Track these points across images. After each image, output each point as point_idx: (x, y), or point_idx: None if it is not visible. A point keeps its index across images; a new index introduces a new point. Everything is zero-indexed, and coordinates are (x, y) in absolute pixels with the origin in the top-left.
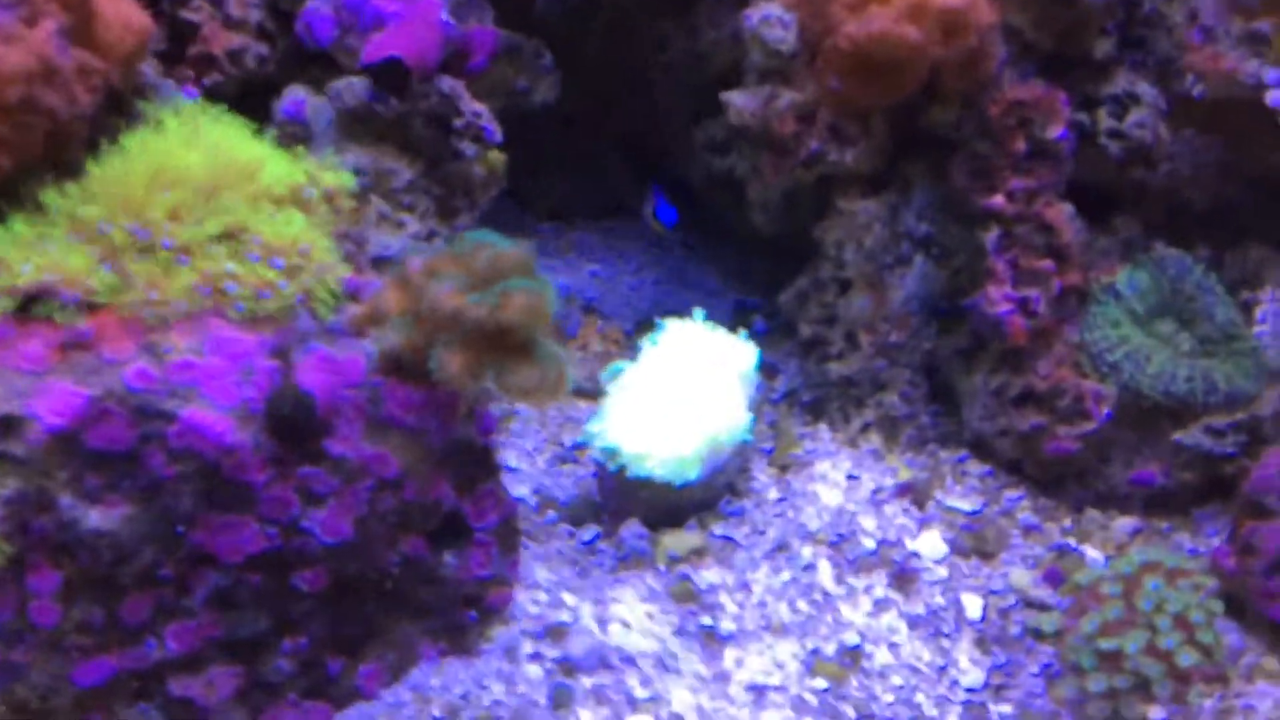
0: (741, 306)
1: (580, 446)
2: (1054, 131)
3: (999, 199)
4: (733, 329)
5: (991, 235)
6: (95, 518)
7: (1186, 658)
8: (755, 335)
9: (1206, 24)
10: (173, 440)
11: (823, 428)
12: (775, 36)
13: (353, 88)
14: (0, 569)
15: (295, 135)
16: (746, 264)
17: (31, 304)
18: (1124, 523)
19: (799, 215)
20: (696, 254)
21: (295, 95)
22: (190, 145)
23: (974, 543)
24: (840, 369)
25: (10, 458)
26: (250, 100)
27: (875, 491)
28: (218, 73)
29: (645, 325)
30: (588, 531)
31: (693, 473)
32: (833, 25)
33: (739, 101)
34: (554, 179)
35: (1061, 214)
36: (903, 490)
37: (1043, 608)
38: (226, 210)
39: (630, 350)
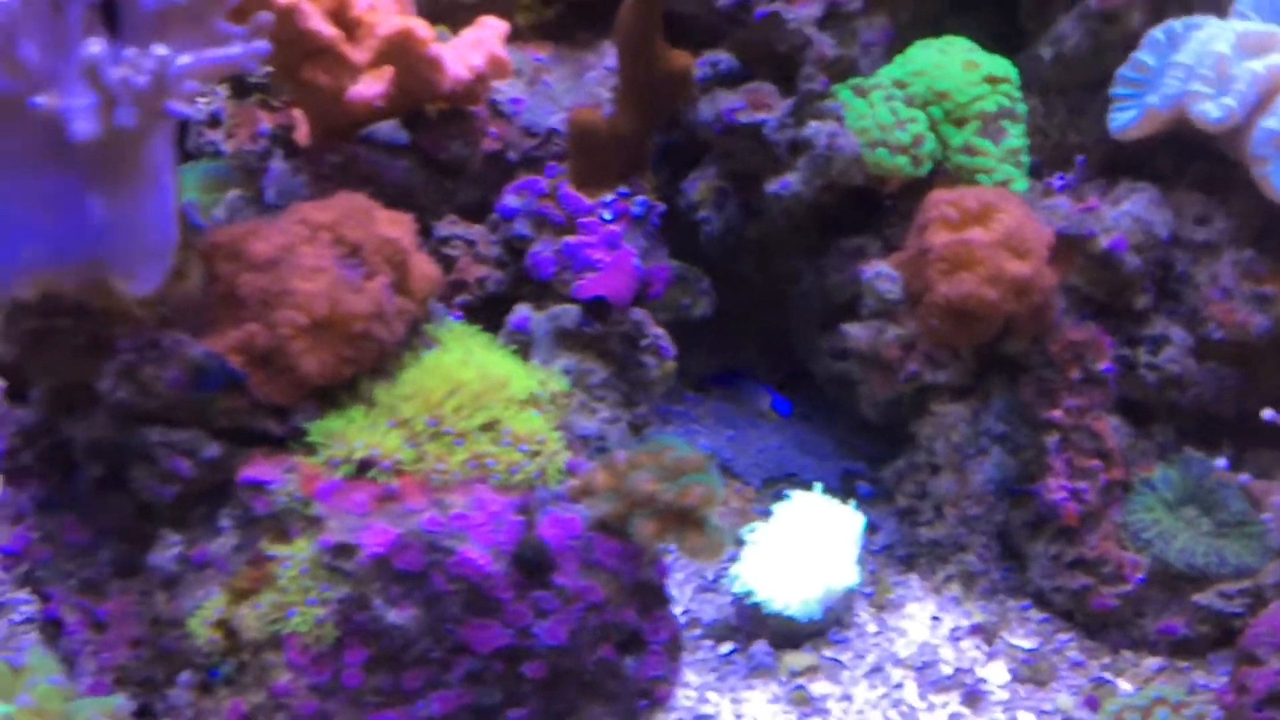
0: (848, 473)
1: (719, 579)
2: (1101, 365)
3: (1058, 413)
4: (840, 491)
5: (1052, 440)
6: (393, 615)
7: None
8: (860, 497)
9: (1224, 285)
10: (450, 568)
11: (914, 577)
12: (884, 288)
13: (569, 314)
14: (329, 646)
15: (521, 342)
16: (853, 438)
17: (363, 469)
18: (1152, 662)
19: (900, 411)
20: (813, 426)
21: (523, 312)
22: (465, 364)
23: (1030, 673)
24: (929, 533)
25: (344, 572)
26: (487, 311)
27: (954, 630)
28: (468, 294)
29: (770, 484)
30: (725, 647)
31: (813, 612)
32: (929, 284)
33: (855, 332)
34: (703, 359)
35: (1107, 426)
36: (976, 630)
37: None
38: (488, 409)
39: (758, 504)
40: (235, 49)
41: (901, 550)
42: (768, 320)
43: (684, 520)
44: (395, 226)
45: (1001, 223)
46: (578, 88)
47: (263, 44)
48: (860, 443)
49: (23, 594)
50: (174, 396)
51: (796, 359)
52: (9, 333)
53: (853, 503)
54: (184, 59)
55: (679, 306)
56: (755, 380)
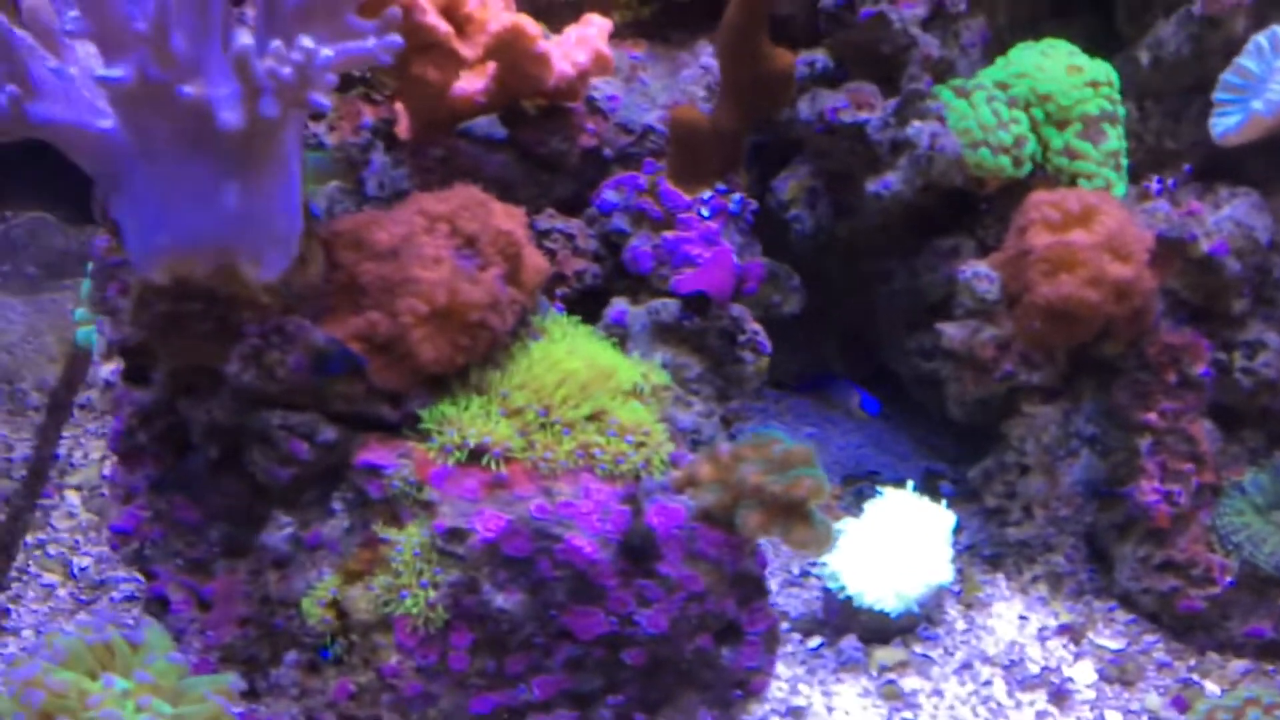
0: (929, 472)
1: (805, 574)
2: (1197, 369)
3: (1153, 416)
4: (922, 490)
5: (1146, 442)
6: (500, 600)
7: None
8: (942, 497)
9: None
10: (557, 554)
11: (1000, 577)
12: (982, 289)
13: (668, 308)
14: (437, 629)
15: (618, 336)
16: (933, 437)
17: (475, 456)
18: (1238, 665)
19: (989, 412)
20: (892, 425)
21: (620, 306)
22: (573, 354)
23: (1117, 673)
24: (1017, 533)
25: (456, 556)
26: (582, 304)
27: (1041, 629)
28: (566, 287)
29: (850, 481)
30: (813, 640)
31: (907, 607)
32: (1029, 285)
33: (950, 331)
34: (785, 357)
35: (1201, 429)
36: (1063, 630)
37: None
38: (595, 400)
39: (839, 502)
40: (370, 43)
41: (987, 550)
42: (849, 319)
43: (790, 512)
44: (510, 219)
45: (1104, 225)
46: (673, 86)
47: (396, 38)
48: (940, 443)
49: (122, 573)
50: (296, 381)
51: (876, 359)
52: (139, 317)
53: (944, 502)
54: (326, 51)
55: (770, 303)
56: (844, 379)
